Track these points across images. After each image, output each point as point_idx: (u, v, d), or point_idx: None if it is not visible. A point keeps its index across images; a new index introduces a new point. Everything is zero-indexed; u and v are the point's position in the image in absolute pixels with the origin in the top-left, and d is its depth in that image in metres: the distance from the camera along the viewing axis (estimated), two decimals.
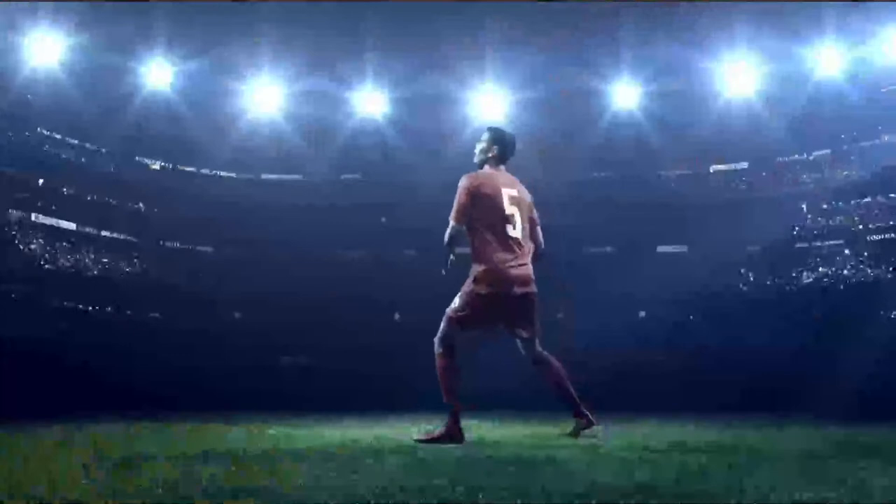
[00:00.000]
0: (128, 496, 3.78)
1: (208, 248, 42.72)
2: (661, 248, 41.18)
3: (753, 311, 34.06)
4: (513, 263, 6.52)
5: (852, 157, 40.28)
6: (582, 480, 4.27)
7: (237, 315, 36.93)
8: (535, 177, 41.93)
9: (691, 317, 35.58)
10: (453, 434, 6.51)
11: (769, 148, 43.30)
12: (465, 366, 6.73)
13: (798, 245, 39.30)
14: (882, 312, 31.89)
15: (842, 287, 34.78)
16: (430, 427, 8.92)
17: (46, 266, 34.26)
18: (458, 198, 6.64)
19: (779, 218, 40.13)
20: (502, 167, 6.93)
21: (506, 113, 44.05)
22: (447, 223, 6.64)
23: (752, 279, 37.85)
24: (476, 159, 7.03)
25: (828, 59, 40.06)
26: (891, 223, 36.87)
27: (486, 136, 7.06)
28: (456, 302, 6.73)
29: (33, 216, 36.36)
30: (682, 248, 40.62)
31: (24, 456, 5.51)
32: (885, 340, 26.69)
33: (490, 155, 6.93)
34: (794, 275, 37.22)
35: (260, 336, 31.66)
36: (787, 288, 36.45)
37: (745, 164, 44.10)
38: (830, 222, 39.47)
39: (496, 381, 19.14)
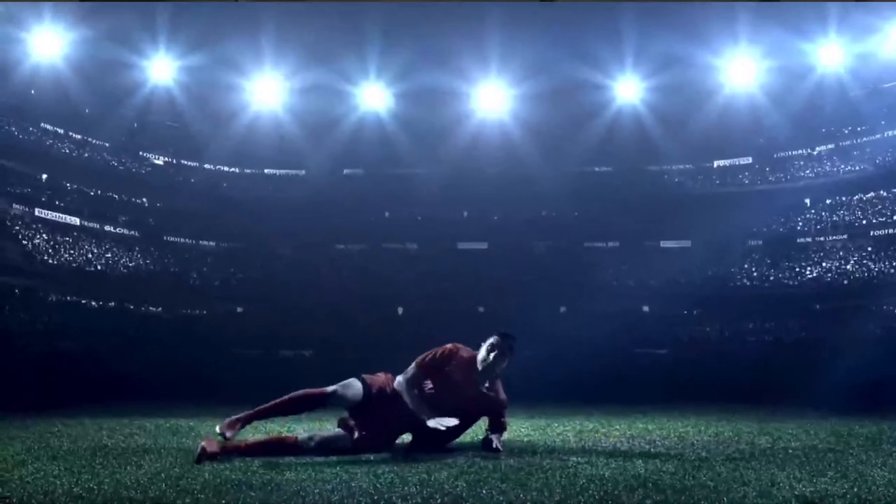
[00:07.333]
0: (130, 489, 3.79)
1: (211, 242, 42.73)
2: (664, 243, 41.16)
3: (755, 305, 34.10)
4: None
5: (855, 152, 40.21)
6: (583, 473, 4.28)
7: (239, 309, 36.93)
8: (537, 170, 41.97)
9: (694, 311, 35.57)
10: None
11: (772, 142, 43.25)
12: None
13: (800, 239, 39.26)
14: (885, 307, 31.86)
15: (845, 282, 34.75)
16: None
17: (49, 260, 34.27)
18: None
19: (781, 212, 40.10)
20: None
21: (508, 106, 43.97)
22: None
23: (754, 273, 37.83)
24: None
25: (830, 54, 39.98)
26: (894, 218, 36.81)
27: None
28: None
29: (36, 210, 36.36)
30: (685, 243, 40.60)
31: (28, 448, 5.53)
32: (886, 334, 26.70)
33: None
34: (796, 269, 37.19)
35: (262, 329, 31.63)
36: (790, 282, 36.43)
37: (747, 159, 44.04)
38: (833, 217, 39.42)
39: None
